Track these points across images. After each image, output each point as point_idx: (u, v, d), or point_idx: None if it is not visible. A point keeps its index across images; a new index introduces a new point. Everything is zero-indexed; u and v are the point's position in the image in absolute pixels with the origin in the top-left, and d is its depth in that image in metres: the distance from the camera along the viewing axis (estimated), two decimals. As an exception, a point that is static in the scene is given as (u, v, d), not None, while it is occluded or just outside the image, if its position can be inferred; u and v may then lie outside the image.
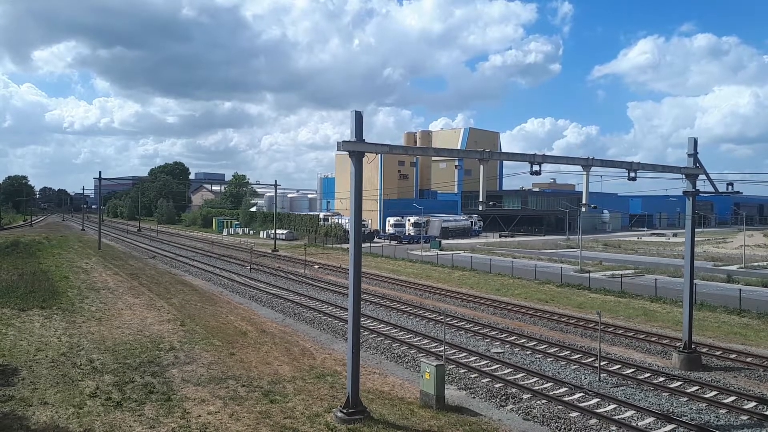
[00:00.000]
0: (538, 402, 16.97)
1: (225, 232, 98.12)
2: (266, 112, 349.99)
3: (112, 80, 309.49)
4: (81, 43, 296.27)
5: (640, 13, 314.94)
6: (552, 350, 22.88)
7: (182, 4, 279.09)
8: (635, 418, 15.77)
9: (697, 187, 21.21)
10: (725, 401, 17.20)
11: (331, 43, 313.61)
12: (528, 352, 22.72)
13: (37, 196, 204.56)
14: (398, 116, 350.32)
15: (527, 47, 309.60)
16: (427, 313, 29.93)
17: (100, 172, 71.27)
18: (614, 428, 15.10)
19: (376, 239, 78.48)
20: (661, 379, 19.39)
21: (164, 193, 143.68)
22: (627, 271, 44.50)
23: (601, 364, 20.07)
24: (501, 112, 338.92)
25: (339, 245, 69.11)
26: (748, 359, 22.06)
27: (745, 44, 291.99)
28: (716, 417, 16.10)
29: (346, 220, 77.36)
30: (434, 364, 16.49)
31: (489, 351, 22.64)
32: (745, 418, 16.08)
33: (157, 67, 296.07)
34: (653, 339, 25.02)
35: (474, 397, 17.50)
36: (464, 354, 22.04)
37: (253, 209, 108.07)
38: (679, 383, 18.92)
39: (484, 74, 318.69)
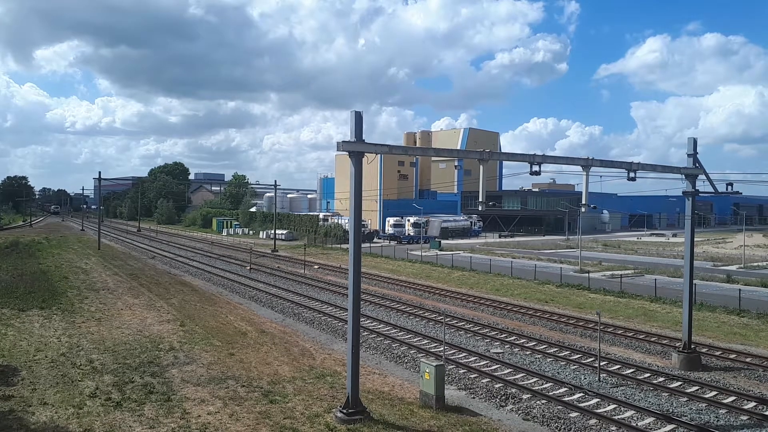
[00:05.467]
0: (538, 402, 16.97)
1: (225, 233, 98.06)
2: (270, 112, 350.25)
3: (113, 79, 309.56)
4: (84, 41, 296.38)
5: (646, 12, 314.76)
6: (552, 350, 22.89)
7: (189, 3, 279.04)
8: (635, 418, 15.78)
9: (696, 188, 21.22)
10: (725, 401, 17.21)
11: (337, 42, 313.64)
12: (528, 353, 22.72)
13: (37, 196, 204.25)
14: (401, 116, 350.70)
15: (535, 45, 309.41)
16: (426, 313, 29.93)
17: (99, 173, 71.27)
18: (614, 428, 15.11)
19: (375, 239, 78.45)
20: (661, 379, 19.40)
21: (164, 194, 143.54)
22: (626, 272, 44.50)
23: (601, 364, 20.08)
24: (504, 112, 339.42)
25: (339, 245, 69.07)
26: (748, 359, 22.07)
27: (751, 43, 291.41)
28: (716, 417, 16.11)
29: (346, 221, 77.35)
30: (434, 364, 16.49)
31: (489, 351, 22.64)
32: (744, 418, 16.09)
33: (161, 67, 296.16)
34: (653, 339, 25.03)
35: (474, 397, 17.51)
36: (464, 354, 22.05)
37: (253, 209, 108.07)
38: (679, 383, 18.93)
39: (490, 73, 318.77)
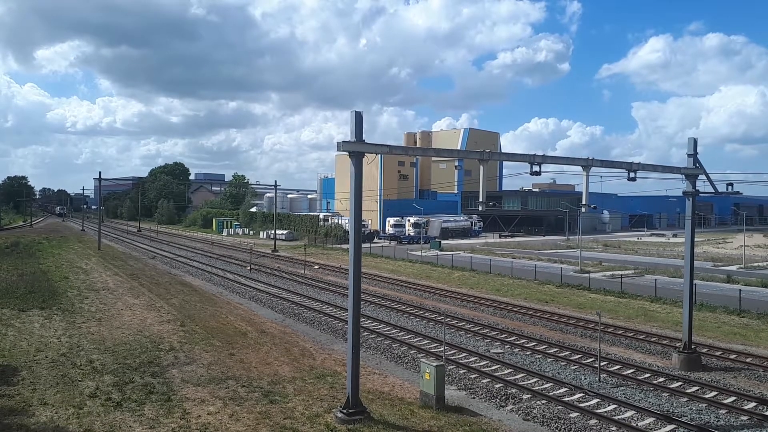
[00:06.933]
0: (538, 402, 16.97)
1: (225, 233, 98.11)
2: (270, 112, 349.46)
3: (114, 79, 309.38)
4: (85, 41, 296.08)
5: (648, 11, 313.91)
6: (552, 350, 22.88)
7: (191, 3, 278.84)
8: (635, 419, 15.77)
9: (697, 188, 21.22)
10: (725, 401, 17.21)
11: (338, 42, 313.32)
12: (528, 353, 22.71)
13: (37, 196, 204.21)
14: (402, 116, 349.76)
15: (537, 45, 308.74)
16: (427, 314, 29.92)
17: (100, 173, 71.33)
18: (614, 428, 15.10)
19: (376, 240, 78.49)
20: (661, 379, 19.39)
21: (164, 194, 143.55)
22: (627, 272, 44.51)
23: (601, 364, 20.07)
24: (505, 112, 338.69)
25: (339, 246, 69.12)
26: (748, 359, 22.06)
27: (753, 43, 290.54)
28: (716, 417, 16.10)
29: (346, 221, 77.35)
30: (434, 364, 16.49)
31: (489, 351, 22.64)
32: (745, 418, 16.08)
33: (162, 66, 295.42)
34: (653, 339, 25.03)
35: (474, 398, 17.51)
36: (464, 354, 22.04)
37: (254, 210, 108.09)
38: (679, 383, 18.92)
39: (491, 73, 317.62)
